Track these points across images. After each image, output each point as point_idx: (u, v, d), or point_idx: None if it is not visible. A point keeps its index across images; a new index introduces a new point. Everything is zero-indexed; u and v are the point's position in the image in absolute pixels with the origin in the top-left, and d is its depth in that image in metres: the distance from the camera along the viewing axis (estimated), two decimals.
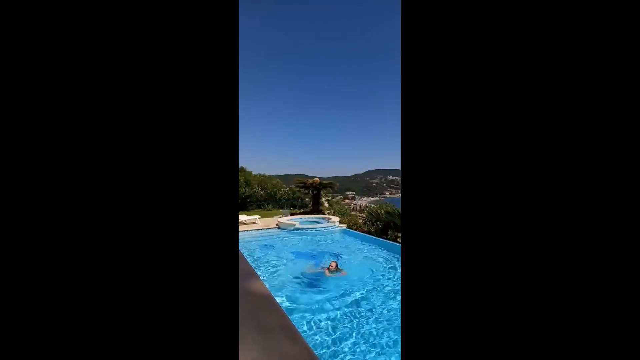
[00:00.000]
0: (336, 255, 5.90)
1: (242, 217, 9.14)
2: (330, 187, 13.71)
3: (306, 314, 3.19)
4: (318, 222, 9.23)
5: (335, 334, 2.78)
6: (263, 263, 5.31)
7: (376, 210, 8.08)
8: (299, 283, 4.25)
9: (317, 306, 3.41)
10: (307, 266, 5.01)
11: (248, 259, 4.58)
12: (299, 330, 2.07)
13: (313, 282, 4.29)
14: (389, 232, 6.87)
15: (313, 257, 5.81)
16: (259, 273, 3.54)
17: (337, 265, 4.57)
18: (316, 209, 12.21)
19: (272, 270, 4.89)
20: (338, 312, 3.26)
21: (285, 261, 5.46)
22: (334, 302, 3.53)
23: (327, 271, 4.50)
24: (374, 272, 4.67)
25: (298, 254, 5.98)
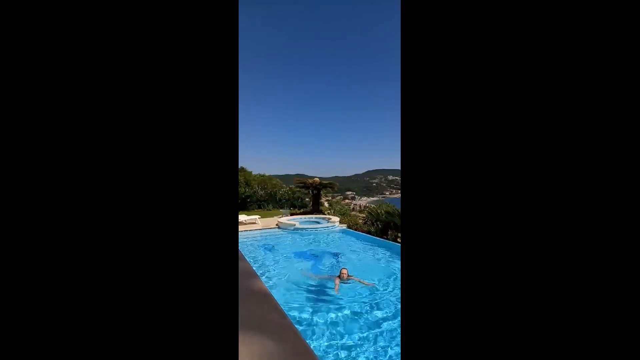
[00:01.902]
0: (337, 255, 5.89)
1: (242, 217, 9.14)
2: (330, 187, 13.71)
3: (318, 329, 2.93)
4: (318, 222, 9.24)
5: (354, 351, 2.58)
6: (265, 269, 5.03)
7: (376, 210, 8.09)
8: (307, 294, 3.92)
9: (331, 320, 3.09)
10: (315, 275, 4.62)
11: (249, 262, 4.33)
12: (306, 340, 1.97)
13: (323, 292, 3.93)
14: (389, 232, 6.87)
15: (314, 257, 5.80)
16: (261, 278, 3.40)
17: (348, 273, 4.23)
18: (316, 209, 12.21)
19: (275, 279, 4.54)
20: (354, 325, 3.01)
21: (289, 267, 5.11)
22: (349, 313, 3.23)
23: (337, 280, 4.15)
24: (388, 278, 4.40)
25: (299, 254, 5.97)
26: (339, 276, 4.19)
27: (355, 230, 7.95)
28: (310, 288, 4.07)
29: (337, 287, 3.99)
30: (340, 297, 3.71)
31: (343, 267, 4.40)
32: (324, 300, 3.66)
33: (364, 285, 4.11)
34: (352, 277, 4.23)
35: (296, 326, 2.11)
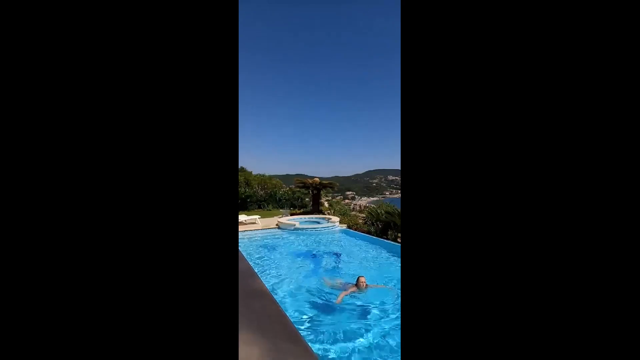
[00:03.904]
0: (337, 255, 5.88)
1: (242, 217, 9.13)
2: (330, 187, 13.71)
3: (330, 340, 2.60)
4: (318, 222, 9.24)
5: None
6: (266, 270, 4.80)
7: (376, 210, 8.08)
8: (318, 302, 3.47)
9: (355, 341, 2.64)
10: (329, 280, 4.07)
11: (250, 264, 3.91)
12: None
13: (340, 307, 3.36)
14: (389, 232, 6.87)
15: (314, 257, 5.80)
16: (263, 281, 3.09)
17: (366, 281, 3.69)
18: (316, 209, 12.20)
19: (279, 282, 4.21)
20: (378, 343, 2.62)
21: (294, 270, 4.78)
22: (374, 331, 2.79)
23: (354, 288, 3.65)
24: (387, 279, 4.09)
25: (299, 254, 5.97)
26: (356, 284, 3.69)
27: (356, 230, 7.95)
28: (322, 296, 3.66)
29: (343, 295, 3.53)
30: (352, 305, 3.39)
31: (360, 275, 3.85)
32: (336, 310, 3.30)
33: (379, 288, 3.75)
34: (370, 286, 3.74)
35: (303, 334, 2.01)
